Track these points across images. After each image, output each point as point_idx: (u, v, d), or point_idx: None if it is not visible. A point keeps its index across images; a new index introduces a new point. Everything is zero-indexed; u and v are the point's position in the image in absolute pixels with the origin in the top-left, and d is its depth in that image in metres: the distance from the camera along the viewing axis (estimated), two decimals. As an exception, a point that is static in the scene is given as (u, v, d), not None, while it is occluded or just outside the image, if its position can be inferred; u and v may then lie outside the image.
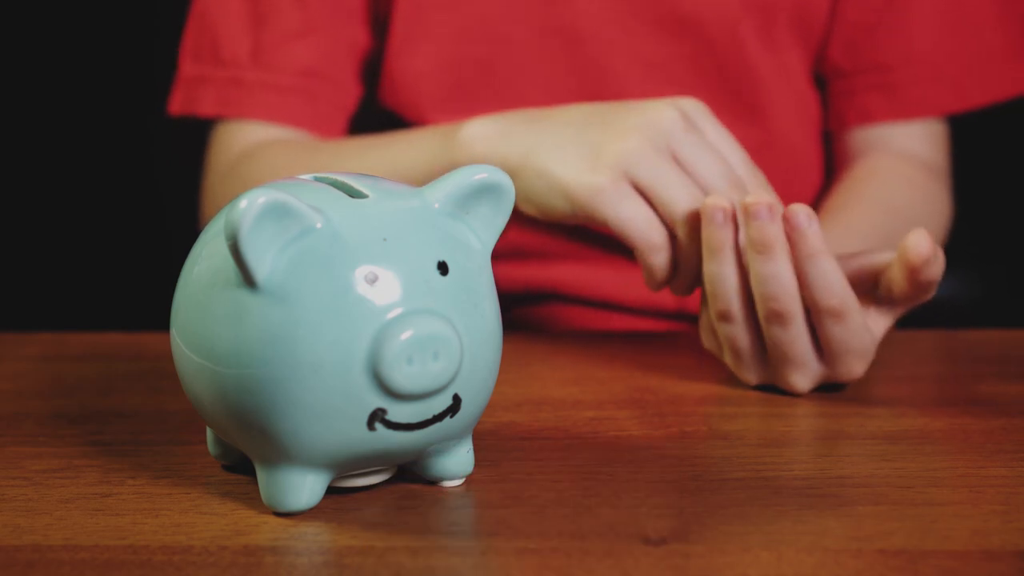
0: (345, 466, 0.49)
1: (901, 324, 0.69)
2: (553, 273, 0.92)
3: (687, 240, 0.66)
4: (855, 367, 0.65)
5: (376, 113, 0.95)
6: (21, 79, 1.27)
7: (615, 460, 0.56)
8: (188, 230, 0.94)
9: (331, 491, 0.51)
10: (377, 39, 0.94)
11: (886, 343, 0.69)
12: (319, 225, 0.47)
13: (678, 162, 0.67)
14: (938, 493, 0.52)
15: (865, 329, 0.64)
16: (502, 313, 0.52)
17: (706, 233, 0.64)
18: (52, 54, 1.27)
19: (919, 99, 0.93)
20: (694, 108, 0.69)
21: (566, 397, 0.66)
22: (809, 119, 0.95)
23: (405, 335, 0.46)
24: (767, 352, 0.65)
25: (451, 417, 0.49)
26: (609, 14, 0.89)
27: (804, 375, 0.65)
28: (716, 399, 0.66)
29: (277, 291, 0.47)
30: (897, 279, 0.64)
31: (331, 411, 0.47)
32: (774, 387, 0.67)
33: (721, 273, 0.64)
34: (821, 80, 0.96)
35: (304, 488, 0.49)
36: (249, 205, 0.46)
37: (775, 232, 0.62)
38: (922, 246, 0.62)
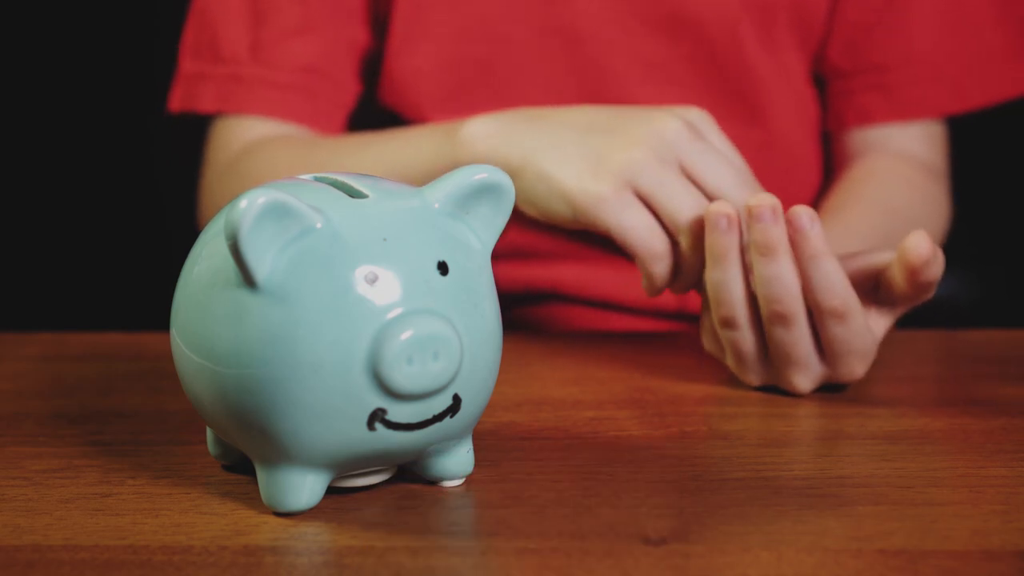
0: (345, 466, 0.49)
1: (901, 324, 0.69)
2: (553, 273, 0.92)
3: (689, 248, 0.66)
4: (857, 368, 0.65)
5: (376, 112, 0.95)
6: (21, 79, 1.27)
7: (615, 460, 0.56)
8: (188, 230, 0.94)
9: (331, 491, 0.51)
10: (377, 38, 0.94)
11: (886, 343, 0.69)
12: (319, 225, 0.47)
13: (685, 170, 0.67)
14: (938, 493, 0.52)
15: (867, 330, 0.64)
16: (502, 313, 0.52)
17: (710, 240, 0.64)
18: (52, 54, 1.27)
19: (918, 100, 0.93)
20: (699, 118, 0.69)
21: (566, 397, 0.66)
22: (808, 119, 0.95)
23: (405, 335, 0.46)
24: (769, 353, 0.65)
25: (451, 417, 0.49)
26: (609, 14, 0.89)
27: (806, 376, 0.65)
28: (716, 399, 0.66)
29: (277, 291, 0.47)
30: (897, 280, 0.64)
31: (331, 411, 0.47)
32: (775, 387, 0.67)
33: (725, 280, 0.64)
34: (820, 81, 0.96)
35: (304, 488, 0.49)
36: (249, 205, 0.46)
37: (778, 234, 0.62)
38: (922, 247, 0.62)
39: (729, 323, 0.65)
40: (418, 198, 0.50)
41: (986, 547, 0.47)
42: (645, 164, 0.66)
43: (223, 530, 0.48)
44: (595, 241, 0.90)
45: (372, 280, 0.47)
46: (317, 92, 0.92)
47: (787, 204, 0.64)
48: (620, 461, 0.56)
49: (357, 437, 0.48)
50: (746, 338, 0.65)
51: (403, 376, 0.47)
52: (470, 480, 0.53)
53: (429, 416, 0.48)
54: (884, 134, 0.93)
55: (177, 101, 0.94)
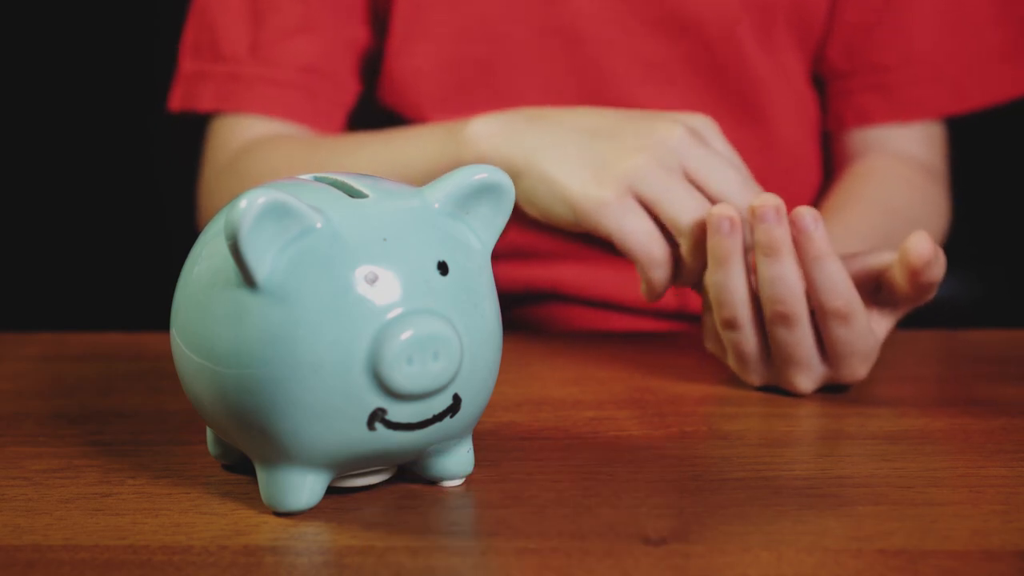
0: (345, 466, 0.49)
1: (902, 324, 0.69)
2: (553, 273, 0.92)
3: (691, 251, 0.66)
4: (859, 369, 0.65)
5: (376, 112, 0.95)
6: (21, 80, 1.27)
7: (615, 460, 0.56)
8: (188, 230, 0.94)
9: (331, 491, 0.51)
10: (377, 37, 0.94)
11: (887, 343, 0.69)
12: (319, 225, 0.47)
13: (689, 175, 0.67)
14: (938, 493, 0.52)
15: (869, 331, 0.64)
16: (502, 313, 0.52)
17: (712, 242, 0.64)
18: (52, 54, 1.27)
19: (917, 101, 0.93)
20: (703, 124, 0.69)
21: (566, 397, 0.66)
22: (808, 120, 0.95)
23: (405, 335, 0.46)
24: (771, 354, 0.65)
25: (451, 417, 0.49)
26: (608, 14, 0.89)
27: (808, 376, 0.65)
28: (716, 399, 0.66)
29: (277, 291, 0.47)
30: (898, 281, 0.64)
31: (331, 411, 0.47)
32: (775, 387, 0.67)
33: (727, 282, 0.64)
34: (820, 81, 0.96)
35: (304, 488, 0.49)
36: (249, 205, 0.46)
37: (782, 234, 0.62)
38: (923, 248, 0.62)
39: (731, 324, 0.65)
40: (418, 198, 0.50)
41: (986, 547, 0.47)
42: (648, 171, 0.66)
43: (223, 530, 0.48)
44: (595, 242, 0.90)
45: (372, 280, 0.47)
46: (317, 91, 0.92)
47: (787, 205, 0.64)
48: (620, 461, 0.56)
49: (357, 437, 0.48)
50: (748, 339, 0.65)
51: (403, 376, 0.47)
52: (470, 480, 0.53)
53: (429, 416, 0.48)
54: (883, 135, 0.93)
55: (177, 100, 0.94)
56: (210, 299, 0.48)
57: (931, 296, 0.65)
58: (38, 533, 0.48)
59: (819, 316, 0.64)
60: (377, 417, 0.47)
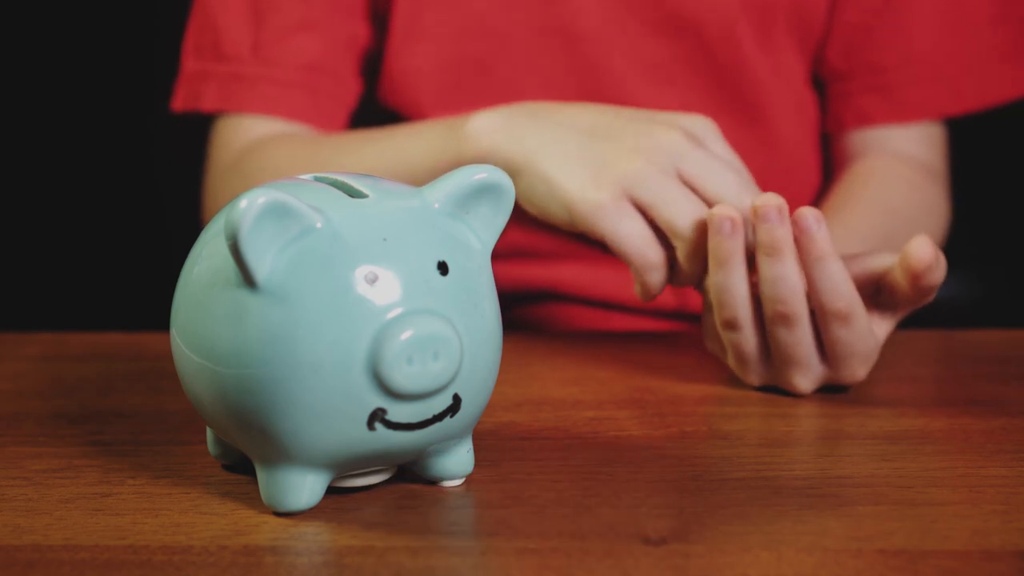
0: (345, 466, 0.49)
1: (902, 324, 0.69)
2: (553, 273, 0.92)
3: (688, 254, 0.66)
4: (859, 370, 0.65)
5: (376, 111, 0.95)
6: (21, 80, 1.27)
7: (615, 460, 0.56)
8: (188, 230, 0.94)
9: (331, 491, 0.51)
10: (377, 35, 0.94)
11: (887, 343, 0.69)
12: (319, 225, 0.47)
13: (685, 179, 0.67)
14: (938, 493, 0.52)
15: (870, 332, 0.64)
16: (502, 313, 0.52)
17: (713, 243, 0.64)
18: (52, 55, 1.27)
19: (917, 101, 0.92)
20: (703, 127, 0.69)
21: (566, 397, 0.66)
22: (807, 120, 0.95)
23: (405, 335, 0.46)
24: (771, 354, 0.65)
25: (451, 417, 0.49)
26: (608, 14, 0.89)
27: (807, 377, 0.65)
28: (716, 399, 0.66)
29: (277, 291, 0.47)
30: (899, 284, 0.64)
31: (331, 411, 0.47)
32: (775, 387, 0.67)
33: (728, 283, 0.64)
34: (820, 83, 0.96)
35: (304, 488, 0.49)
36: (249, 205, 0.46)
37: (784, 234, 0.62)
38: (924, 252, 0.62)
39: (731, 325, 0.65)
40: (418, 198, 0.50)
41: (986, 547, 0.47)
42: (645, 175, 0.66)
43: (223, 530, 0.48)
44: (593, 242, 0.90)
45: (372, 280, 0.47)
46: (319, 90, 0.92)
47: (788, 205, 0.64)
48: (620, 461, 0.56)
49: (357, 437, 0.48)
50: (748, 339, 0.65)
51: (403, 376, 0.47)
52: (470, 480, 0.53)
53: (429, 416, 0.48)
54: (883, 135, 0.93)
55: (180, 101, 0.94)
56: (210, 299, 0.48)
57: (931, 299, 0.65)
58: (38, 533, 0.48)
59: (820, 317, 0.64)
60: (377, 417, 0.47)
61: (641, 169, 0.66)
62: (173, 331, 0.51)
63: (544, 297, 0.93)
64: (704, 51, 0.90)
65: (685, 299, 0.91)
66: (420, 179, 0.69)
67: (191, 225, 0.97)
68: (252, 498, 0.51)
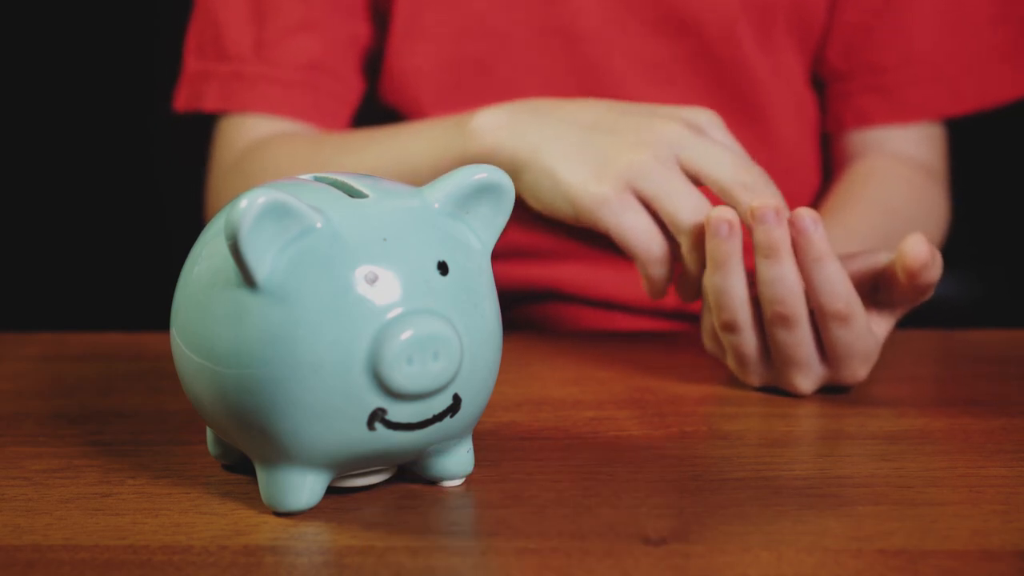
0: (345, 466, 0.49)
1: (902, 324, 0.69)
2: (554, 272, 0.92)
3: (690, 250, 0.66)
4: (859, 370, 0.65)
5: (378, 110, 0.95)
6: (21, 80, 1.27)
7: (615, 460, 0.56)
8: (188, 230, 0.94)
9: (331, 491, 0.51)
10: (378, 34, 0.94)
11: (886, 343, 0.69)
12: (319, 225, 0.47)
13: (685, 167, 0.67)
14: (938, 493, 0.52)
15: (869, 332, 0.64)
16: (502, 313, 0.52)
17: (711, 245, 0.64)
18: (52, 55, 1.27)
19: (917, 102, 0.92)
20: (707, 119, 0.69)
21: (566, 397, 0.66)
22: (807, 120, 0.95)
23: (405, 335, 0.46)
24: (771, 355, 0.65)
25: (451, 417, 0.49)
26: (607, 14, 0.89)
27: (807, 377, 0.65)
28: (716, 399, 0.66)
29: (277, 291, 0.47)
30: (896, 282, 0.64)
31: (331, 411, 0.47)
32: (775, 387, 0.67)
33: (726, 285, 0.64)
34: (820, 83, 0.96)
35: (304, 488, 0.49)
36: (249, 205, 0.46)
37: (781, 236, 0.62)
38: (920, 250, 0.62)
39: (730, 327, 0.65)
40: (418, 198, 0.50)
41: (986, 547, 0.47)
42: (648, 167, 0.66)
43: (223, 530, 0.48)
44: (597, 240, 0.90)
45: (372, 280, 0.47)
46: (321, 89, 0.92)
47: (788, 205, 0.64)
48: (620, 461, 0.56)
49: (357, 437, 0.48)
50: (748, 340, 0.65)
51: (403, 376, 0.47)
52: (470, 480, 0.53)
53: (429, 416, 0.48)
54: (883, 135, 0.93)
55: (182, 100, 0.94)
56: (210, 299, 0.48)
57: (928, 296, 0.65)
58: (38, 533, 0.48)
59: (819, 318, 0.64)
60: (377, 417, 0.47)
61: (644, 161, 0.66)
62: (173, 331, 0.51)
63: (544, 297, 0.93)
64: (704, 51, 0.90)
65: (685, 299, 0.91)
66: (423, 177, 0.69)
67: (191, 225, 0.97)
68: (252, 498, 0.51)
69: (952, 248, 0.87)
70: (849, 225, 0.82)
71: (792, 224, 0.62)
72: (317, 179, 0.51)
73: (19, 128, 1.27)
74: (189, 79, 0.94)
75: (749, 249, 0.65)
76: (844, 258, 0.66)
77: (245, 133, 0.91)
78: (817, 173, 0.96)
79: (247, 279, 0.47)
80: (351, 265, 0.47)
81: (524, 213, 0.72)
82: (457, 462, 0.52)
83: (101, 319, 0.99)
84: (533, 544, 0.47)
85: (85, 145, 1.28)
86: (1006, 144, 1.14)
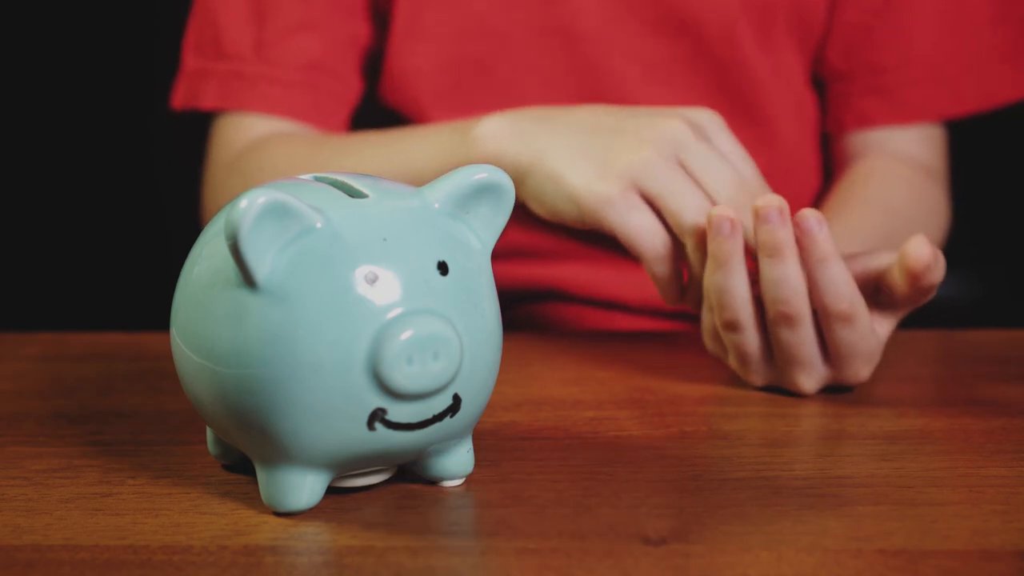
0: (345, 466, 0.49)
1: (902, 324, 0.69)
2: (554, 272, 0.92)
3: (694, 249, 0.66)
4: (862, 370, 0.65)
5: (377, 110, 0.95)
6: (21, 79, 1.27)
7: (615, 460, 0.56)
8: (188, 230, 0.94)
9: (331, 491, 0.51)
10: (378, 34, 0.94)
11: (887, 343, 0.69)
12: (319, 225, 0.47)
13: (686, 172, 0.67)
14: (938, 493, 0.52)
15: (872, 332, 0.64)
16: (502, 313, 0.52)
17: (712, 244, 0.64)
18: (52, 54, 1.27)
19: (917, 103, 0.92)
20: (708, 119, 0.69)
21: (566, 397, 0.66)
22: (807, 121, 0.95)
23: (405, 335, 0.46)
24: (774, 354, 0.65)
25: (451, 417, 0.49)
26: (608, 13, 0.89)
27: (811, 377, 0.65)
28: (716, 399, 0.66)
29: (277, 291, 0.47)
30: (898, 283, 0.64)
31: (331, 411, 0.47)
32: (775, 387, 0.67)
33: (728, 284, 0.64)
34: (820, 84, 0.96)
35: (304, 488, 0.49)
36: (249, 205, 0.46)
37: (785, 236, 0.62)
38: (922, 251, 0.62)
39: (733, 326, 0.65)
40: (418, 198, 0.50)
41: (986, 547, 0.47)
42: (651, 165, 0.66)
43: (223, 530, 0.48)
44: (597, 239, 0.90)
45: (372, 280, 0.47)
46: (320, 89, 0.92)
47: (788, 206, 0.64)
48: (620, 461, 0.56)
49: (357, 437, 0.48)
50: (750, 340, 0.65)
51: (403, 376, 0.47)
52: (470, 480, 0.53)
53: (429, 416, 0.48)
54: (883, 136, 0.93)
55: (180, 98, 0.94)
56: (210, 299, 0.48)
57: (931, 297, 0.65)
58: (38, 533, 0.48)
59: (822, 318, 0.64)
60: (377, 417, 0.47)
61: (647, 159, 0.66)
62: (173, 331, 0.51)
63: (545, 297, 0.93)
64: (704, 51, 0.90)
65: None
66: (425, 182, 0.69)
67: (191, 225, 0.97)
68: (252, 498, 0.51)
69: (952, 248, 0.87)
70: (850, 225, 0.82)
71: (797, 225, 0.62)
72: (317, 179, 0.51)
73: (19, 128, 1.27)
74: (187, 77, 0.94)
75: (750, 248, 0.65)
76: (846, 258, 0.66)
77: (243, 132, 0.91)
78: (817, 173, 0.96)
79: (247, 279, 0.47)
80: (351, 265, 0.47)
81: (532, 216, 0.72)
82: (457, 462, 0.52)
83: (101, 319, 0.98)
84: (533, 544, 0.47)
85: (85, 145, 1.28)
86: (1006, 144, 1.14)
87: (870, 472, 0.55)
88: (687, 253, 0.67)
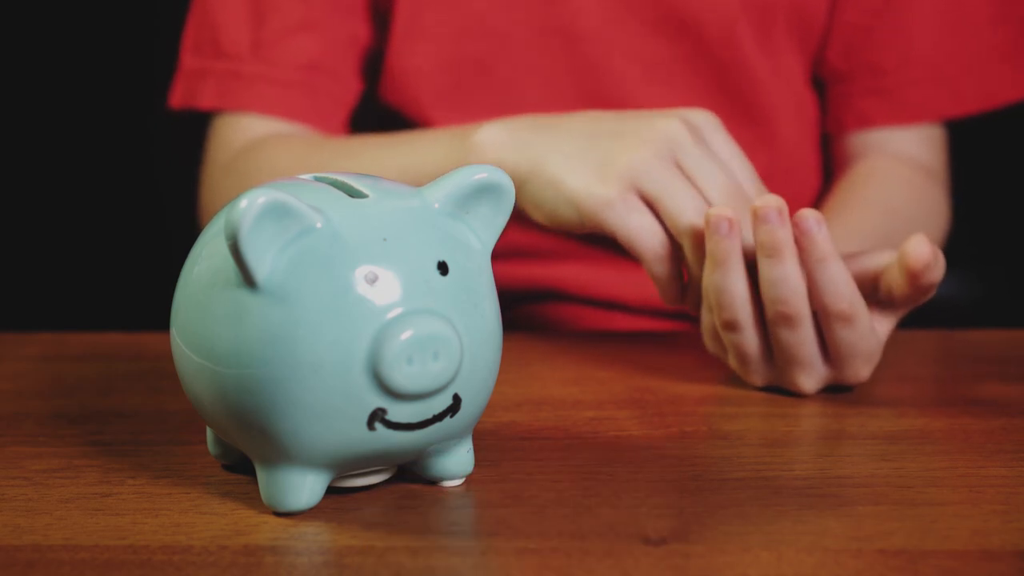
0: (345, 466, 0.49)
1: (902, 324, 0.69)
2: (554, 272, 0.92)
3: (693, 250, 0.66)
4: (862, 370, 0.65)
5: (376, 111, 0.95)
6: (21, 79, 1.27)
7: (615, 460, 0.56)
8: (188, 230, 0.94)
9: (331, 491, 0.51)
10: (378, 34, 0.94)
11: (887, 343, 0.69)
12: (319, 225, 0.47)
13: (683, 173, 0.67)
14: (938, 493, 0.52)
15: (872, 332, 0.64)
16: (502, 313, 0.52)
17: (711, 244, 0.64)
18: (52, 54, 1.27)
19: (917, 103, 0.92)
20: (705, 120, 0.69)
21: (566, 397, 0.66)
22: (807, 121, 0.95)
23: (405, 335, 0.46)
24: (774, 354, 0.65)
25: (451, 417, 0.49)
26: (608, 13, 0.89)
27: (811, 376, 0.65)
28: (716, 399, 0.66)
29: (277, 291, 0.47)
30: (898, 282, 0.64)
31: (331, 411, 0.47)
32: (775, 387, 0.67)
33: (726, 283, 0.64)
34: (821, 84, 0.96)
35: (304, 488, 0.49)
36: (249, 205, 0.46)
37: (785, 236, 0.62)
38: (922, 251, 0.62)
39: (732, 326, 0.65)
40: (418, 198, 0.50)
41: (986, 547, 0.47)
42: (648, 165, 0.66)
43: (223, 530, 0.48)
44: (599, 240, 0.90)
45: (372, 280, 0.47)
46: (318, 90, 0.92)
47: (788, 206, 0.64)
48: (620, 461, 0.56)
49: (357, 437, 0.48)
50: (749, 339, 0.65)
51: (403, 376, 0.47)
52: (470, 480, 0.53)
53: (429, 416, 0.48)
54: (883, 137, 0.93)
55: (178, 97, 0.94)
56: (210, 299, 0.48)
57: (931, 296, 0.65)
58: (38, 533, 0.48)
59: (822, 318, 0.64)
60: (377, 417, 0.47)
61: (644, 158, 0.66)
62: (173, 331, 0.51)
63: (545, 297, 0.93)
64: (704, 51, 0.90)
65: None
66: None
67: (191, 225, 0.97)
68: (252, 498, 0.51)
69: (952, 248, 0.87)
70: (850, 225, 0.82)
71: (796, 225, 0.62)
72: (317, 179, 0.51)
73: (19, 128, 1.27)
74: (185, 76, 0.94)
75: (747, 251, 0.65)
76: (846, 258, 0.66)
77: (241, 132, 0.91)
78: (817, 174, 0.96)
79: (247, 279, 0.47)
80: (351, 265, 0.47)
81: (525, 221, 0.72)
82: (457, 462, 0.52)
83: (101, 319, 0.98)
84: (533, 544, 0.47)
85: (85, 145, 1.28)
86: (1006, 144, 1.14)
87: (870, 472, 0.55)
88: (686, 254, 0.67)
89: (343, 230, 0.47)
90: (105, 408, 0.64)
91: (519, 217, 0.70)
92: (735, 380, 0.68)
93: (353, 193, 0.49)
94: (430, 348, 0.47)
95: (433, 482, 0.53)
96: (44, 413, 0.63)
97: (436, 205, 0.50)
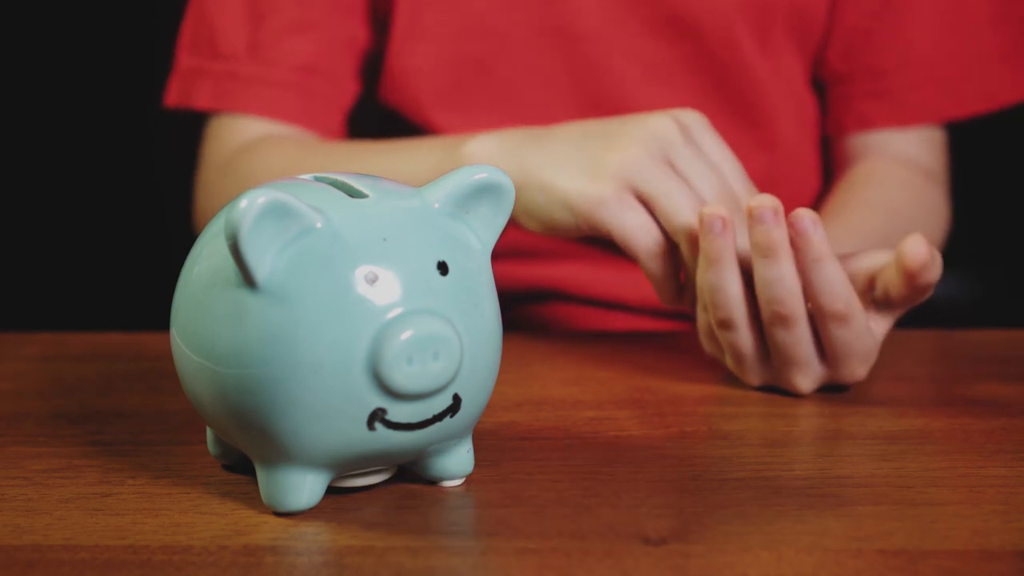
0: (345, 466, 0.49)
1: (901, 324, 0.69)
2: (554, 272, 0.92)
3: (688, 250, 0.66)
4: (858, 370, 0.65)
5: (375, 111, 0.95)
6: (21, 79, 1.27)
7: (615, 460, 0.56)
8: (188, 230, 0.94)
9: (331, 491, 0.51)
10: (377, 36, 0.94)
11: (886, 343, 0.69)
12: (319, 225, 0.47)
13: (675, 173, 0.67)
14: (938, 493, 0.52)
15: (868, 332, 0.64)
16: (502, 313, 0.52)
17: (704, 243, 0.64)
18: (52, 54, 1.27)
19: (917, 105, 0.93)
20: (694, 120, 0.69)
21: (566, 397, 0.66)
22: (807, 123, 0.95)
23: (405, 335, 0.46)
24: (770, 354, 0.65)
25: (451, 417, 0.49)
26: (607, 14, 0.90)
27: (807, 376, 0.65)
28: (716, 399, 0.66)
29: (277, 291, 0.47)
30: (895, 282, 0.64)
31: (331, 411, 0.47)
32: (774, 387, 0.67)
33: (720, 282, 0.64)
34: (820, 84, 0.96)
35: (304, 488, 0.49)
36: (249, 205, 0.46)
37: (780, 236, 0.62)
38: (919, 251, 0.62)
39: (727, 325, 0.65)
40: (418, 198, 0.50)
41: (986, 547, 0.47)
42: (641, 164, 0.66)
43: (223, 530, 0.48)
44: (598, 240, 0.90)
45: (372, 280, 0.47)
46: (314, 91, 0.92)
47: (787, 207, 0.64)
48: (620, 461, 0.56)
49: (357, 437, 0.48)
50: (745, 339, 0.65)
51: (403, 376, 0.47)
52: (470, 480, 0.53)
53: (429, 416, 0.48)
54: (883, 138, 0.93)
55: (173, 96, 0.94)
56: (210, 299, 0.48)
57: (928, 296, 0.65)
58: (38, 533, 0.48)
59: (818, 318, 0.64)
60: (377, 417, 0.47)
61: (637, 157, 0.67)
62: (173, 331, 0.51)
63: (545, 296, 0.93)
64: (704, 52, 0.90)
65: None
66: None
67: (191, 225, 0.97)
68: (252, 498, 0.51)
69: (952, 248, 0.87)
70: (849, 226, 0.82)
71: (792, 225, 0.62)
72: (317, 179, 0.51)
73: (18, 128, 1.27)
74: (181, 75, 0.94)
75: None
76: (843, 258, 0.66)
77: (237, 133, 0.91)
78: (817, 175, 0.96)
79: (247, 279, 0.47)
80: (351, 265, 0.47)
81: (528, 230, 0.72)
82: (457, 462, 0.52)
83: (101, 319, 0.98)
84: (533, 544, 0.47)
85: (85, 145, 1.28)
86: (1006, 145, 1.14)
87: (870, 472, 0.55)
88: (682, 252, 0.67)
89: (343, 230, 0.47)
90: (105, 408, 0.64)
91: (514, 226, 0.70)
92: (735, 380, 0.68)
93: (353, 193, 0.49)
94: (430, 348, 0.47)
95: (433, 482, 0.53)
96: (44, 413, 0.63)
97: (436, 205, 0.50)
